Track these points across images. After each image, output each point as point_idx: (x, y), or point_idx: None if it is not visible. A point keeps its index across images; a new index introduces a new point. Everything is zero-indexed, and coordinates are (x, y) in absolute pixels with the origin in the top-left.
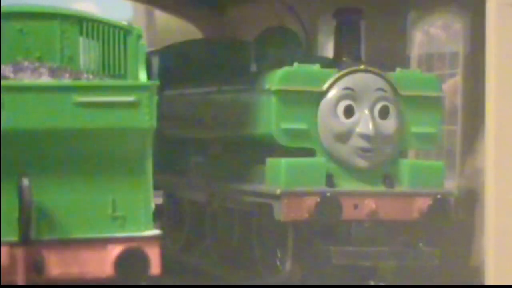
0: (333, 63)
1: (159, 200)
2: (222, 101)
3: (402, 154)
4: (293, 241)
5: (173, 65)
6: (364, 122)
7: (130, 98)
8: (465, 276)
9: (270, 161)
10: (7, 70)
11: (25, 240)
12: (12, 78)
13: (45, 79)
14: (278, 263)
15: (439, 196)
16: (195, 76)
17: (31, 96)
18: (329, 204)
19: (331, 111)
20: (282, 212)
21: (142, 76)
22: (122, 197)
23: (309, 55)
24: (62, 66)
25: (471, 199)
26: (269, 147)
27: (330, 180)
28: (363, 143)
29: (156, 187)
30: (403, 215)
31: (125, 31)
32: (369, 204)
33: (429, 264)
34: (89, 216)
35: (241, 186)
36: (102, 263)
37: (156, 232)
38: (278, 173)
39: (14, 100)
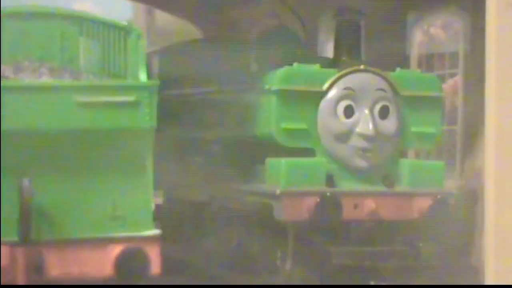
0: (333, 63)
1: (159, 200)
2: (222, 101)
3: (402, 154)
4: (293, 241)
5: (173, 65)
6: (364, 122)
7: (130, 98)
8: (465, 276)
9: (270, 161)
10: (7, 70)
11: (25, 240)
12: (12, 78)
13: (45, 79)
14: (278, 263)
15: (439, 196)
16: (195, 76)
17: (31, 96)
18: (329, 204)
19: (331, 111)
20: (282, 212)
21: (142, 76)
22: (122, 197)
23: (309, 55)
24: (62, 66)
25: (471, 199)
26: (269, 147)
27: (330, 180)
28: (363, 143)
29: (156, 187)
30: (403, 215)
31: (125, 31)
32: (369, 204)
33: (429, 264)
34: (89, 216)
35: (241, 186)
36: (102, 263)
37: (156, 232)
38: (278, 173)
39: (14, 100)
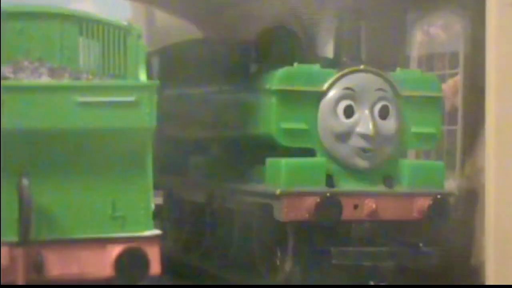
0: (333, 63)
1: (159, 200)
2: (222, 101)
3: (402, 154)
4: (293, 241)
5: (173, 65)
6: (364, 122)
7: (130, 98)
8: (465, 276)
9: (270, 161)
10: (7, 70)
11: (25, 240)
12: (12, 78)
13: (45, 79)
14: (278, 263)
15: (439, 196)
16: (195, 76)
17: (31, 96)
18: (329, 204)
19: (331, 111)
20: (282, 212)
21: (142, 76)
22: (122, 197)
23: (309, 55)
24: (62, 66)
25: (471, 199)
26: (269, 147)
27: (330, 180)
28: (363, 143)
29: (156, 187)
30: (403, 215)
31: (125, 31)
32: (369, 204)
33: (429, 264)
34: (89, 216)
35: (241, 186)
36: (102, 263)
37: (156, 232)
38: (278, 173)
39: (14, 100)
